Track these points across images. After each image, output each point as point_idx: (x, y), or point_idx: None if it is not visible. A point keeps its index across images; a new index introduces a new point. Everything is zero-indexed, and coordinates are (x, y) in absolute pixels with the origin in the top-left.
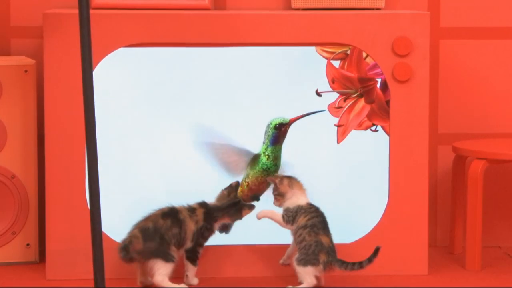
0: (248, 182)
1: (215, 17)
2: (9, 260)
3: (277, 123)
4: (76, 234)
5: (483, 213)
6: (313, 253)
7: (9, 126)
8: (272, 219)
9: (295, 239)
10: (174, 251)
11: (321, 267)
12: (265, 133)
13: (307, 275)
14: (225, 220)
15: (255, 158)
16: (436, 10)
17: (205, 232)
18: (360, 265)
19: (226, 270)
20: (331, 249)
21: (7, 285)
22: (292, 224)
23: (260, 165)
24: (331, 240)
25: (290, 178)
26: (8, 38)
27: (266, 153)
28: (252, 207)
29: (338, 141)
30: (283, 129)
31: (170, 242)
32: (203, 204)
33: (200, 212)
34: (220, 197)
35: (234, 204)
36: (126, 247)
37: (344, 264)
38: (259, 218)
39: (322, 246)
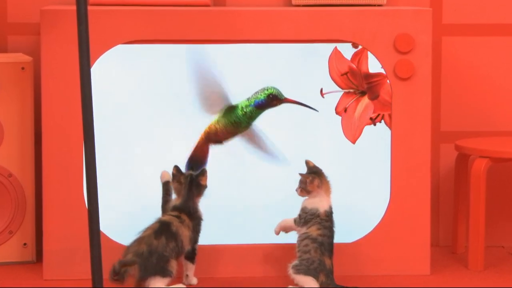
0: (216, 127)
1: (215, 14)
2: (6, 260)
3: (273, 93)
4: (74, 233)
5: (486, 212)
6: (315, 270)
7: (6, 124)
8: (287, 228)
9: (299, 245)
10: (172, 266)
11: (318, 284)
12: (255, 92)
13: (308, 279)
14: (199, 200)
15: (230, 108)
16: (438, 7)
17: (196, 227)
18: None
19: (225, 270)
20: (331, 272)
21: (3, 285)
22: (302, 226)
23: (233, 117)
24: (332, 263)
25: (320, 177)
26: (5, 35)
27: (244, 110)
28: (204, 172)
29: (353, 141)
30: (274, 102)
31: (170, 256)
32: (179, 208)
33: (185, 217)
34: (177, 190)
35: (191, 184)
36: (120, 273)
37: None
38: (277, 233)
39: (324, 267)
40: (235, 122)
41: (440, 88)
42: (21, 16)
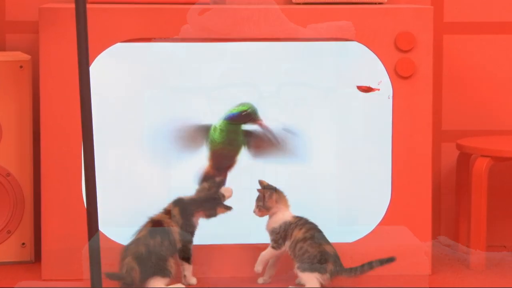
0: (208, 158)
1: (214, 12)
2: (4, 260)
3: (246, 110)
4: (73, 233)
5: (487, 212)
6: (319, 263)
7: (4, 123)
8: (270, 259)
9: (294, 253)
10: (171, 266)
11: (327, 275)
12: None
13: (314, 278)
14: (201, 215)
15: (207, 131)
16: (439, 5)
17: (187, 228)
18: (370, 265)
19: (225, 270)
20: (337, 257)
21: (2, 285)
22: (284, 244)
23: (209, 137)
24: (333, 248)
25: (278, 192)
26: (3, 33)
27: (216, 125)
28: (228, 208)
29: None
30: (247, 119)
31: (167, 255)
32: (178, 201)
33: (176, 212)
34: (200, 190)
35: (211, 199)
36: (124, 280)
37: (352, 270)
38: (260, 271)
39: (328, 255)
40: (210, 142)
41: (442, 86)
42: (19, 14)
